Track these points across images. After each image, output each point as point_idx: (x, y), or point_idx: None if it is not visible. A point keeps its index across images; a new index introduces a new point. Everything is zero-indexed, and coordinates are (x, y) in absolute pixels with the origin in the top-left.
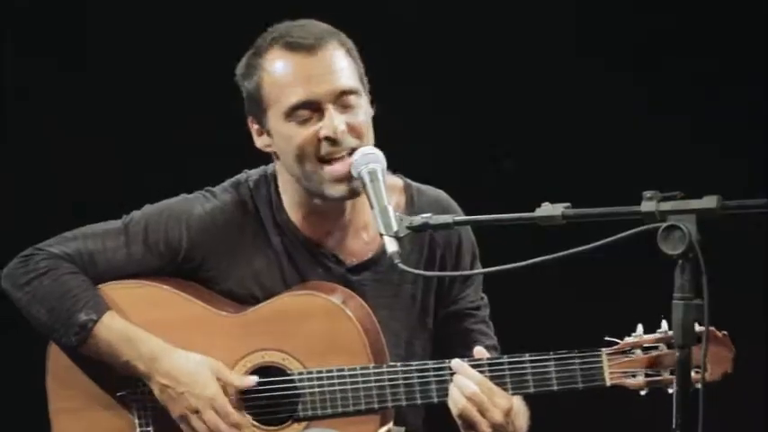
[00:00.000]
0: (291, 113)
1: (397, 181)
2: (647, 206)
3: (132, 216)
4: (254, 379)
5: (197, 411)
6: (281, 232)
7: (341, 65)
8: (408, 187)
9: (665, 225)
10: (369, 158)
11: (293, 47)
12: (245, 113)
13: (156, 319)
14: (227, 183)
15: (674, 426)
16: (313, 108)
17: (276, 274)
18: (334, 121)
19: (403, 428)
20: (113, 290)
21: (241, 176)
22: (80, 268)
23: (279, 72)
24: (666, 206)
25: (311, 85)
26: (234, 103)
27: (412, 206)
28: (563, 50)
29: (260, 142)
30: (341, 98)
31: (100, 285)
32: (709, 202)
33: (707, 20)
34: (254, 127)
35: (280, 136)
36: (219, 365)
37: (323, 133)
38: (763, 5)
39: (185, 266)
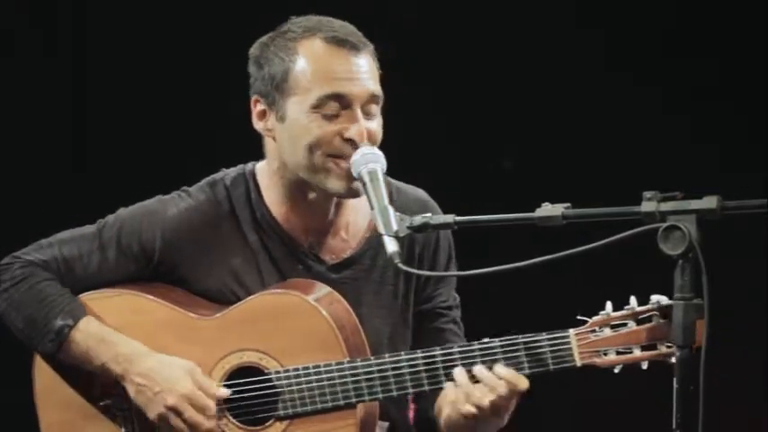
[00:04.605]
0: (320, 105)
1: None
2: (647, 206)
3: (107, 220)
4: (227, 391)
5: (174, 409)
6: (259, 229)
7: (373, 72)
8: (388, 184)
9: (665, 225)
10: (369, 158)
11: (339, 42)
12: (252, 92)
13: (135, 327)
14: (203, 182)
15: (674, 426)
16: (342, 104)
17: (254, 272)
18: (362, 126)
19: (387, 424)
20: (90, 300)
21: (217, 175)
22: (57, 275)
23: (317, 62)
24: (667, 206)
25: (347, 81)
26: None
27: (392, 203)
28: (562, 51)
29: (260, 124)
30: (368, 103)
31: (78, 296)
32: (710, 202)
33: (707, 20)
34: (257, 108)
35: (297, 123)
36: (195, 368)
37: (349, 135)
38: (763, 5)
39: (161, 268)
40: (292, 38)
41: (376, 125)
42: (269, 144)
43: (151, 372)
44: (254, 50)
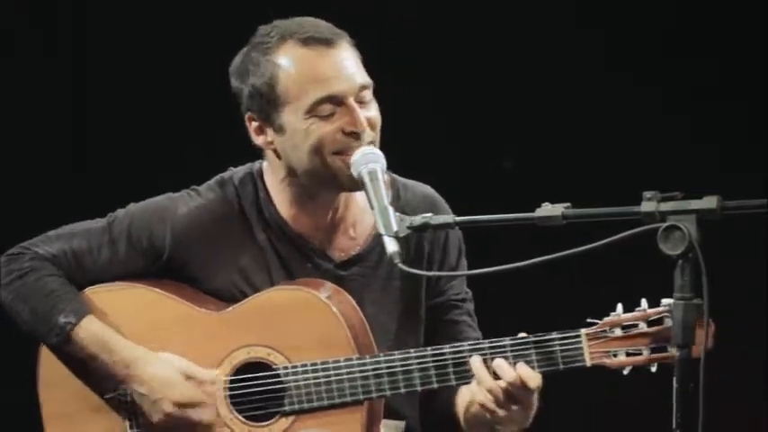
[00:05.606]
0: (314, 108)
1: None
2: (647, 206)
3: (117, 214)
4: (215, 373)
5: (171, 416)
6: (267, 228)
7: (356, 60)
8: (394, 182)
9: (665, 225)
10: (368, 158)
11: (310, 42)
12: (243, 111)
13: (142, 321)
14: (212, 181)
15: (674, 426)
16: (335, 102)
17: (263, 271)
18: (360, 117)
19: (403, 423)
20: (98, 293)
21: (226, 174)
22: (65, 268)
23: (299, 68)
24: (666, 206)
25: (335, 80)
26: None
27: (398, 201)
28: (562, 51)
29: (260, 140)
30: (360, 93)
31: (86, 289)
32: (710, 202)
33: (707, 20)
34: (253, 125)
35: (296, 131)
36: (187, 363)
37: (349, 128)
38: (763, 5)
39: (170, 265)
40: (268, 48)
41: (374, 112)
42: (270, 156)
43: (148, 377)
44: (233, 68)
